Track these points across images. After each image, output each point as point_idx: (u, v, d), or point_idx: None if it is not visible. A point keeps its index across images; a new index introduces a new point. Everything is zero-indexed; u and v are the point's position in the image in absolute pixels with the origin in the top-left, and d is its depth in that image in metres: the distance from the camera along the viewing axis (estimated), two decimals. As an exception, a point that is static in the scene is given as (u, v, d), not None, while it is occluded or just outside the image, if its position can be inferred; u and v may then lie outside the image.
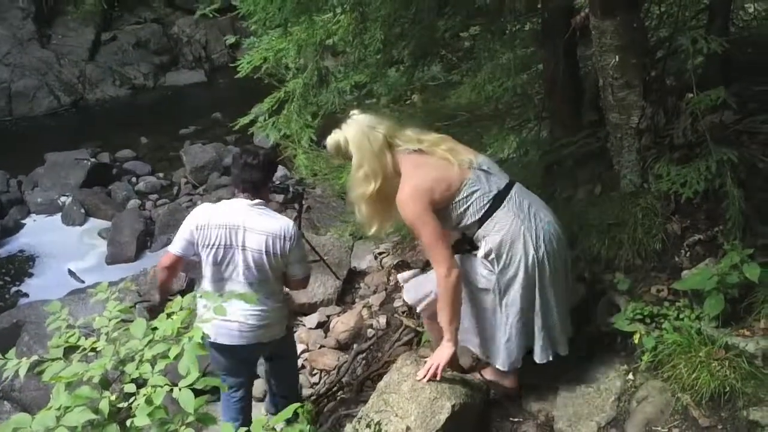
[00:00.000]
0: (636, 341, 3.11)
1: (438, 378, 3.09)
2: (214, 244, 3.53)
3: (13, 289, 8.22)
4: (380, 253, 6.17)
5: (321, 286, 5.77)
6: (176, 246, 3.63)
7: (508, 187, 3.08)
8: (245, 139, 11.32)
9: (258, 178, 3.59)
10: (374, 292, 5.65)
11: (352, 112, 3.15)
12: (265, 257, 3.52)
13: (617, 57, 3.28)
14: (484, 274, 3.07)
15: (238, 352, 3.65)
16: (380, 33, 3.62)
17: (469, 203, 3.00)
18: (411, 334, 4.61)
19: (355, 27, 3.39)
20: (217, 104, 13.03)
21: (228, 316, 2.65)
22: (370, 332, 5.09)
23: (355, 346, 5.02)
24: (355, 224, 5.18)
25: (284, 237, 3.52)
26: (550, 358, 3.14)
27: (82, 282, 8.02)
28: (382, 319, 5.09)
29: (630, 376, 3.12)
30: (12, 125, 12.76)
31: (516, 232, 2.98)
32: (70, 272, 8.35)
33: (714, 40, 3.11)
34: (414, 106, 6.52)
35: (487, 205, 3.01)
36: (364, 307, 5.42)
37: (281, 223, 3.58)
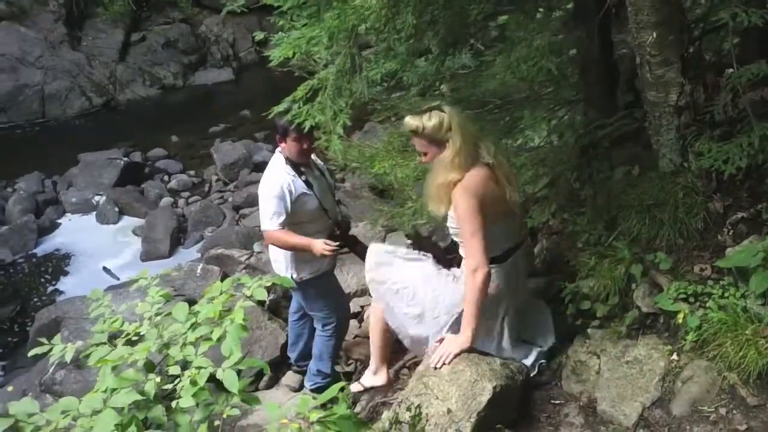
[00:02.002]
0: (680, 321, 3.05)
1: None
2: None
3: (50, 287, 8.35)
4: (413, 244, 6.14)
5: (354, 277, 5.76)
6: None
7: (517, 246, 3.40)
8: (275, 136, 11.39)
9: (280, 124, 4.07)
10: (409, 282, 5.63)
11: (444, 104, 3.27)
12: None
13: (654, 33, 3.22)
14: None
15: None
16: (412, 18, 3.59)
17: (497, 238, 3.24)
18: (447, 321, 4.59)
19: (388, 11, 3.37)
20: (245, 102, 13.11)
21: None
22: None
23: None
24: (387, 215, 5.17)
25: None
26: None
27: (117, 279, 8.11)
28: (417, 309, 5.08)
29: (674, 356, 3.06)
30: (45, 127, 12.98)
31: (501, 296, 3.32)
32: (106, 269, 8.45)
33: (754, 12, 3.04)
34: (443, 96, 6.48)
35: (499, 252, 3.28)
36: (398, 297, 5.41)
37: (265, 174, 4.26)
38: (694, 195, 3.36)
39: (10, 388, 5.65)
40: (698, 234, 3.33)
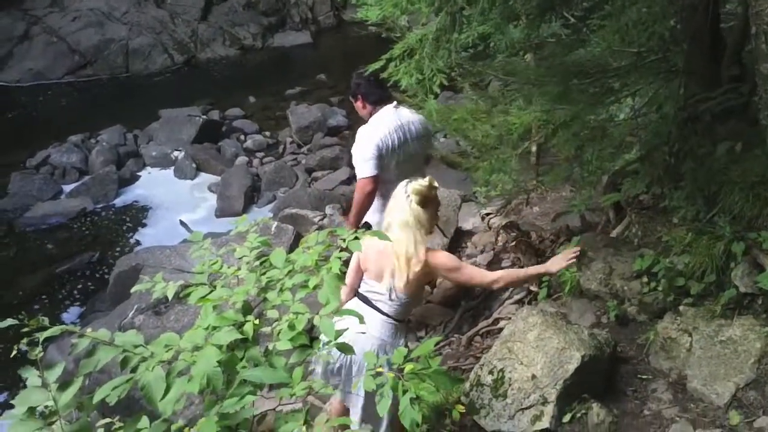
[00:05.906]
0: (782, 302, 2.94)
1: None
2: (396, 148, 4.14)
3: (128, 236, 8.64)
4: (487, 214, 6.09)
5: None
6: (370, 168, 4.06)
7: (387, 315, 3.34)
8: (348, 101, 11.42)
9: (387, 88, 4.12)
10: (481, 252, 5.61)
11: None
12: (424, 142, 4.41)
13: (774, 2, 3.05)
14: None
15: None
16: (513, -24, 3.51)
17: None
18: (523, 292, 4.55)
19: (489, -31, 3.30)
20: (322, 66, 13.16)
21: None
22: (477, 290, 5.05)
23: (462, 303, 5.00)
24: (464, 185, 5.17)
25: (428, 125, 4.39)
26: None
27: (191, 233, 8.27)
28: (490, 278, 5.04)
29: (772, 338, 2.95)
30: (128, 81, 13.30)
31: None
32: (182, 223, 8.68)
33: None
34: (527, 66, 6.35)
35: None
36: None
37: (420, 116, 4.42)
38: (803, 174, 3.20)
39: (88, 330, 5.83)
40: (806, 214, 3.17)
